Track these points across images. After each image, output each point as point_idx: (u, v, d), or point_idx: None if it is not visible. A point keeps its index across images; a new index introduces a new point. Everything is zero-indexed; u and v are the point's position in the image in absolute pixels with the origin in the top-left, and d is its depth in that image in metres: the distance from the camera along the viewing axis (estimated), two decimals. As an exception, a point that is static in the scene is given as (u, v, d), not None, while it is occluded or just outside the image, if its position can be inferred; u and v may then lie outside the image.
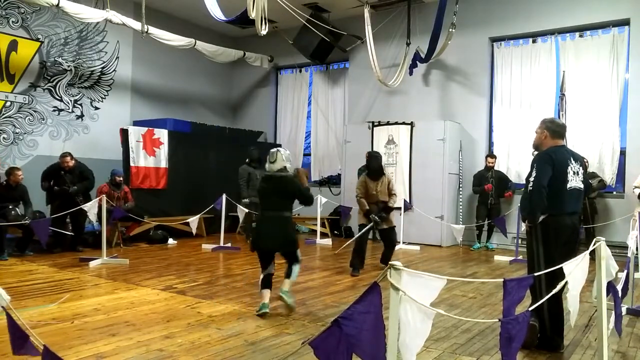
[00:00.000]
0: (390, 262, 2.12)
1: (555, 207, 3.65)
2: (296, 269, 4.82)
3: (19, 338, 2.24)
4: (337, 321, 2.01)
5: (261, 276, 4.69)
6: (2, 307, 2.25)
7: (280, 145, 12.44)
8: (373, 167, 6.72)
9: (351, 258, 6.62)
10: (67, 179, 7.80)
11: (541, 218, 3.66)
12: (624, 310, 4.69)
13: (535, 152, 3.93)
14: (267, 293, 4.58)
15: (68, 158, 7.83)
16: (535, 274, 2.95)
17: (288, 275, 4.74)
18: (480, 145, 9.86)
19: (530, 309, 2.57)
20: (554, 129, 3.81)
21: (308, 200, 4.79)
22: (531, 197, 3.64)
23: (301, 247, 9.45)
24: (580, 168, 3.79)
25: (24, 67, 9.05)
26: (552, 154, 3.70)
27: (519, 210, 7.81)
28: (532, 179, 3.66)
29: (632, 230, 5.15)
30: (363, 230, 6.61)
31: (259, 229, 4.78)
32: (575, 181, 3.71)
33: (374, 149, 10.03)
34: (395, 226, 6.88)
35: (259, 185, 4.89)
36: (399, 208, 9.36)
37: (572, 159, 3.74)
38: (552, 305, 3.58)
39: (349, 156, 10.46)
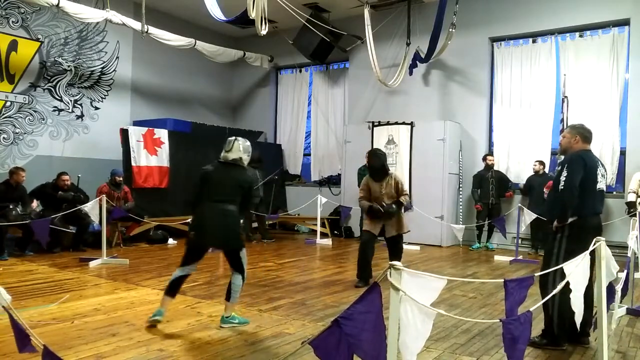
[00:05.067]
0: (390, 262, 2.11)
1: (587, 207, 3.73)
2: (238, 285, 4.18)
3: (22, 336, 2.24)
4: (337, 321, 2.01)
5: (174, 273, 4.18)
6: (3, 306, 2.24)
7: (280, 146, 12.48)
8: (374, 167, 5.94)
9: (357, 270, 5.95)
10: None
11: (571, 220, 3.70)
12: (624, 310, 4.70)
13: (562, 156, 4.05)
14: (167, 301, 4.15)
15: (66, 177, 7.81)
16: (547, 274, 2.96)
17: (228, 296, 4.16)
18: (480, 145, 9.85)
19: (538, 305, 2.57)
20: (585, 134, 3.94)
21: (253, 200, 4.48)
22: (563, 196, 3.68)
23: (301, 247, 9.45)
24: (605, 171, 3.96)
25: (24, 67, 9.05)
26: (583, 156, 3.80)
27: (517, 209, 7.84)
28: (563, 178, 3.70)
29: (632, 230, 5.15)
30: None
31: (200, 221, 4.19)
32: (602, 183, 3.85)
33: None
34: (405, 232, 5.97)
35: (205, 172, 4.26)
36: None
37: (599, 162, 3.91)
38: (562, 305, 3.59)
39: (349, 156, 10.46)
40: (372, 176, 5.97)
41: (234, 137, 4.32)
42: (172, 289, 4.17)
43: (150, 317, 4.08)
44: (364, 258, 5.85)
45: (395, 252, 5.95)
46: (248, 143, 4.36)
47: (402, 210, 5.99)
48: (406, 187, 6.20)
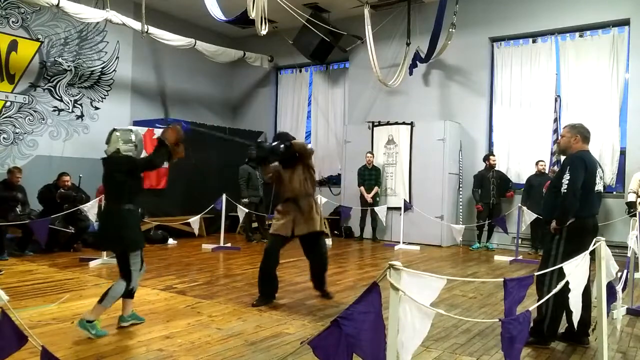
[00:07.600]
0: (389, 263, 2.10)
1: (585, 209, 3.73)
2: (116, 292, 3.78)
3: (10, 339, 2.18)
4: (337, 321, 2.01)
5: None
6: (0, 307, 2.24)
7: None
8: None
9: (258, 284, 4.90)
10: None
11: (570, 221, 3.70)
12: (624, 310, 4.70)
13: (562, 156, 4.06)
14: (125, 303, 3.97)
15: (67, 177, 7.79)
16: (544, 274, 2.96)
17: (101, 298, 3.76)
18: (480, 145, 9.85)
19: (536, 305, 2.57)
20: (585, 134, 3.92)
21: (151, 163, 4.09)
22: (565, 199, 3.67)
23: (301, 247, 9.43)
24: (603, 173, 3.99)
25: (24, 67, 9.04)
26: (584, 157, 3.78)
27: (517, 209, 7.84)
28: (566, 181, 3.68)
29: (632, 230, 5.15)
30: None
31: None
32: (600, 185, 3.85)
33: (374, 149, 10.05)
34: (322, 231, 4.94)
35: None
36: (399, 208, 9.40)
37: (598, 164, 3.90)
38: (557, 306, 3.60)
39: (349, 156, 10.46)
40: (280, 162, 5.00)
41: (112, 128, 4.01)
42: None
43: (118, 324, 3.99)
44: (265, 269, 4.82)
45: (313, 254, 4.96)
46: (133, 134, 3.99)
47: (319, 203, 5.06)
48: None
